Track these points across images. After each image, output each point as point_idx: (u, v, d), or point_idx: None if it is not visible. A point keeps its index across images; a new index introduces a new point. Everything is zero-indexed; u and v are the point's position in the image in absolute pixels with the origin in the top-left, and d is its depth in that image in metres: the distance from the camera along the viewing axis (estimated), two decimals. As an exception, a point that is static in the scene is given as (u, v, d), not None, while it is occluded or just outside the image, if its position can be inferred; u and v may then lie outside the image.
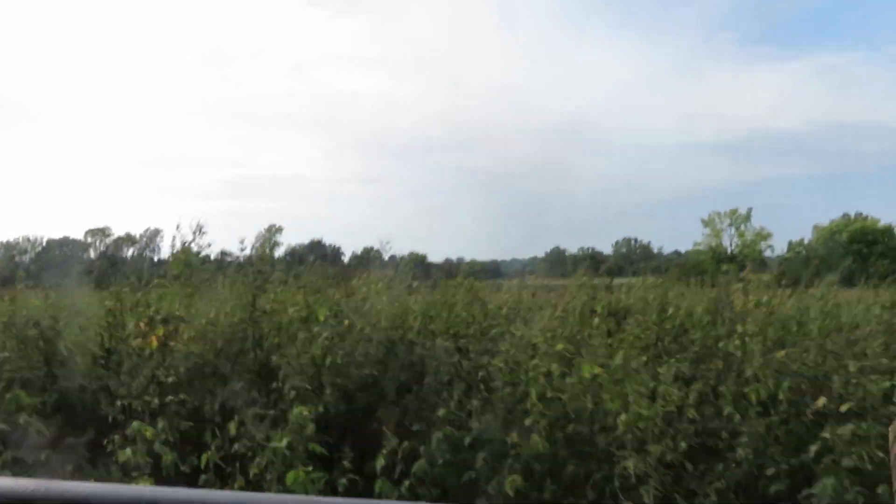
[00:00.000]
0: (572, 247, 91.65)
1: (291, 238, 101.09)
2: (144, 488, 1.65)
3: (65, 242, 76.95)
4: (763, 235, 69.96)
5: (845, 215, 78.17)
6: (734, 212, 70.58)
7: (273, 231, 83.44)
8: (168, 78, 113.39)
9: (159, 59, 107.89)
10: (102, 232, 74.66)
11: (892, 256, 63.26)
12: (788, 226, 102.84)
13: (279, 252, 79.48)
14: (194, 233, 6.66)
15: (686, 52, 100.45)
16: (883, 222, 68.93)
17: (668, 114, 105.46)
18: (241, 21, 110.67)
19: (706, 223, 71.42)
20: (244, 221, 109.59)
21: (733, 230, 71.25)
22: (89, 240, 75.45)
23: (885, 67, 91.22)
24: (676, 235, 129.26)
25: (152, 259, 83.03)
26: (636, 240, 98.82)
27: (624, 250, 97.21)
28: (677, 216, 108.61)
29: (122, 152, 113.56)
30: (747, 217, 70.27)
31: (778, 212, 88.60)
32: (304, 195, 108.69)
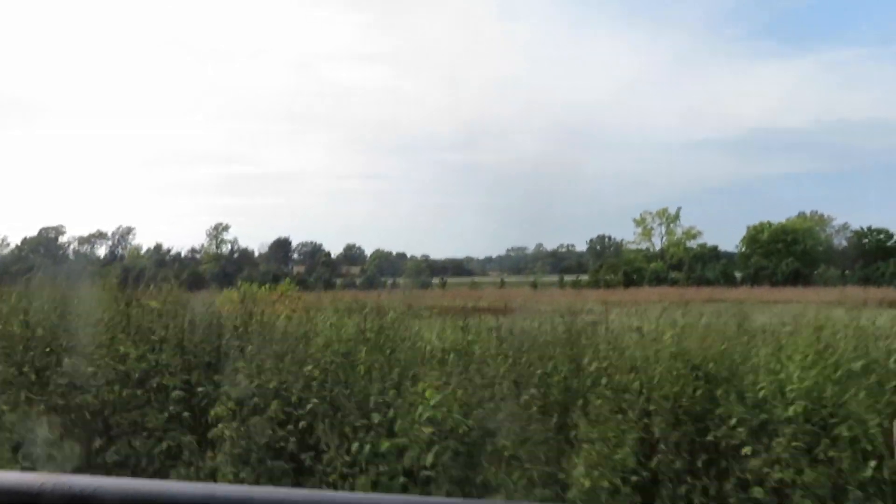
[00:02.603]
0: (579, 244, 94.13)
1: (292, 235, 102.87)
2: (151, 482, 1.66)
3: (39, 241, 79.15)
4: (691, 234, 72.44)
5: (801, 214, 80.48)
6: (664, 211, 73.07)
7: (220, 229, 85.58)
8: (171, 77, 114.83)
9: (161, 58, 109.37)
10: (56, 230, 76.99)
11: (804, 257, 65.77)
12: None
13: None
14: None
15: (690, 49, 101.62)
16: (875, 224, 68.72)
17: (673, 110, 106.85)
18: (244, 19, 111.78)
19: (637, 222, 73.92)
20: (246, 218, 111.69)
21: (663, 229, 73.72)
22: (42, 237, 77.61)
23: (890, 64, 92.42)
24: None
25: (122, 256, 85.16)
26: (610, 237, 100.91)
27: (598, 248, 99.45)
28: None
29: (126, 151, 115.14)
30: (676, 216, 72.77)
31: (778, 209, 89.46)
32: (307, 192, 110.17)
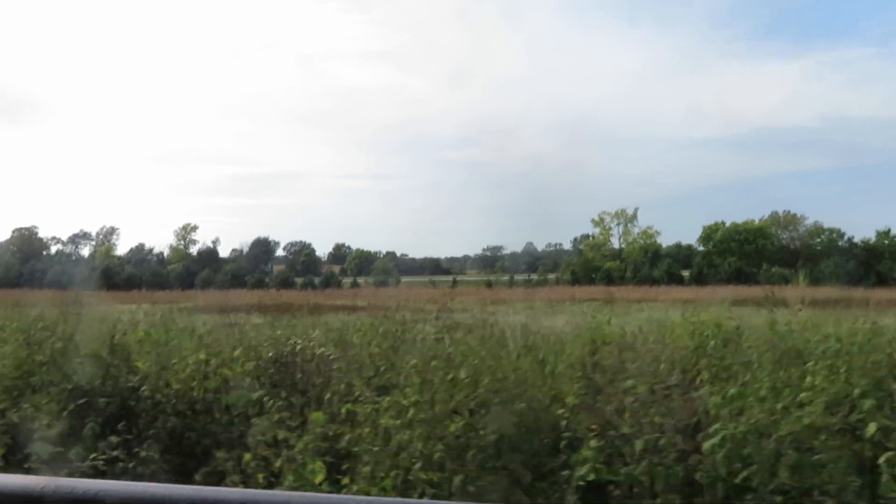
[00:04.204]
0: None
1: (294, 235, 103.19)
2: (153, 485, 1.52)
3: (13, 242, 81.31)
4: (649, 234, 73.30)
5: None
6: (622, 212, 74.03)
7: (189, 229, 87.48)
8: (173, 77, 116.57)
9: (164, 57, 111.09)
10: (29, 231, 79.19)
11: (756, 256, 66.47)
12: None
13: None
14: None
15: (694, 47, 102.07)
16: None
17: (676, 109, 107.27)
18: (246, 17, 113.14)
19: (596, 223, 74.93)
20: (251, 218, 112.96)
21: (621, 229, 74.61)
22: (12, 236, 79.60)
23: (894, 62, 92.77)
24: (681, 230, 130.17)
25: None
26: (593, 236, 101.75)
27: (581, 247, 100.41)
28: (684, 211, 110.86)
29: (130, 150, 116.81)
30: (633, 216, 73.69)
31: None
32: (310, 191, 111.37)
